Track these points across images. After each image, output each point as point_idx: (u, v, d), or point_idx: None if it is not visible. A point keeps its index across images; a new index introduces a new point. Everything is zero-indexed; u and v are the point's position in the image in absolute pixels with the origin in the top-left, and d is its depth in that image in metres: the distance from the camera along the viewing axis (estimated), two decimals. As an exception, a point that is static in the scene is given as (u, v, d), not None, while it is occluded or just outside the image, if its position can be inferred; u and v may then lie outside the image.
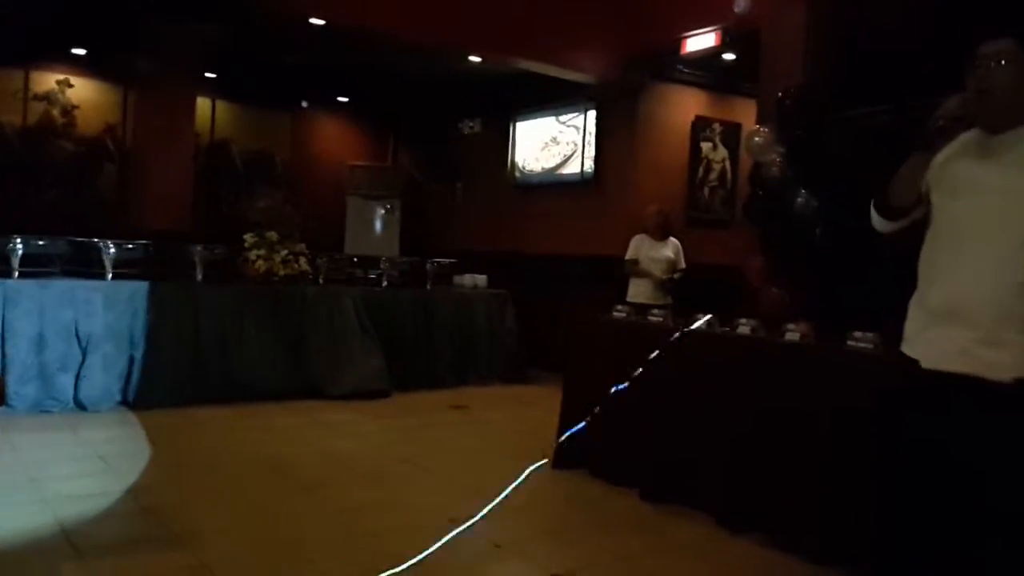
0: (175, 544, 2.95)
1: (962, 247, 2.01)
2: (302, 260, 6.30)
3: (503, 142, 9.38)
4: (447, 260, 7.27)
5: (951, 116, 1.98)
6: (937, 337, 2.02)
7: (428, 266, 6.99)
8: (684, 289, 6.03)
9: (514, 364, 7.07)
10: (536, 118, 9.07)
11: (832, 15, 5.72)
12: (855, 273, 4.65)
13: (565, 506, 3.81)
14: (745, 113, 7.73)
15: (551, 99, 8.55)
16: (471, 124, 9.90)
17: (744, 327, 3.58)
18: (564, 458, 4.18)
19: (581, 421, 4.15)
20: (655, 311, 4.24)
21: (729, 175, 8.32)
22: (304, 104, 10.21)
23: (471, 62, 7.79)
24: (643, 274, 6.04)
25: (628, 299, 5.85)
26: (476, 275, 7.26)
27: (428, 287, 6.91)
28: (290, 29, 7.40)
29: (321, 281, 6.35)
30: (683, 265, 6.11)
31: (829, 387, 3.07)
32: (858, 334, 3.11)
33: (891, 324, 3.20)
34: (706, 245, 7.22)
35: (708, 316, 3.78)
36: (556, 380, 4.46)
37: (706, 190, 8.23)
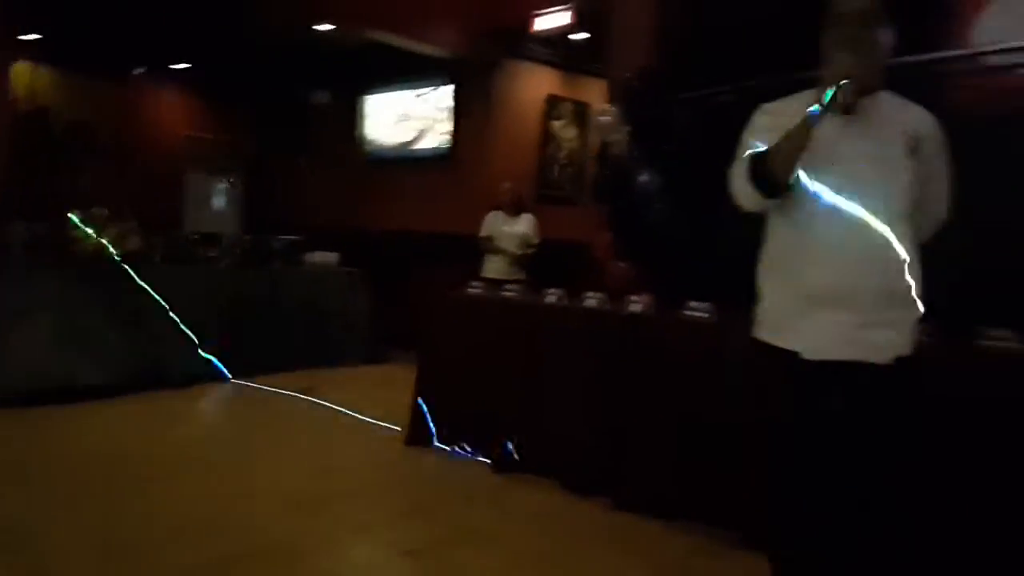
0: (11, 550, 2.68)
1: (839, 223, 1.88)
2: (135, 238, 5.85)
3: (354, 115, 9.12)
4: (295, 237, 6.98)
5: (846, 76, 1.82)
6: (819, 324, 1.90)
7: (274, 244, 6.69)
8: (537, 264, 6.10)
9: (368, 344, 6.92)
10: (390, 91, 8.86)
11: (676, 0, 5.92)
12: (694, 247, 4.86)
13: (418, 483, 3.76)
14: (595, 93, 7.90)
15: (406, 73, 8.37)
16: (321, 96, 9.53)
17: (591, 300, 3.65)
18: (418, 435, 4.13)
19: (436, 399, 4.13)
20: (509, 286, 4.25)
21: (579, 153, 8.50)
22: (137, 71, 9.46)
23: (321, 31, 7.48)
24: (498, 250, 6.05)
25: (483, 275, 5.86)
26: (326, 253, 7.02)
27: (274, 266, 6.61)
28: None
29: (157, 260, 5.93)
30: (537, 240, 6.17)
31: (668, 352, 3.19)
32: (694, 304, 3.24)
33: (728, 294, 3.39)
34: (557, 221, 7.33)
35: (560, 291, 3.83)
36: (411, 359, 4.39)
37: (556, 168, 8.37)
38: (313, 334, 6.58)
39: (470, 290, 4.27)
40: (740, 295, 3.25)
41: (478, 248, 6.15)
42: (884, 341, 1.89)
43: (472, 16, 7.38)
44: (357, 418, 4.81)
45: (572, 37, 7.25)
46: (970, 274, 2.93)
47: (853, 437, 1.89)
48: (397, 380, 5.84)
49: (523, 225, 6.13)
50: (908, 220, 1.91)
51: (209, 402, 5.17)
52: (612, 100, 5.81)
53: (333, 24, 7.20)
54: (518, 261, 6.06)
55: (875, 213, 1.87)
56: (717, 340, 3.07)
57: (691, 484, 3.10)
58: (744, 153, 2.00)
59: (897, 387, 1.90)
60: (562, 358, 3.57)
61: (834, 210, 1.88)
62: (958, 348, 2.59)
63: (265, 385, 5.68)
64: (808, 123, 1.84)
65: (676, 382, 3.15)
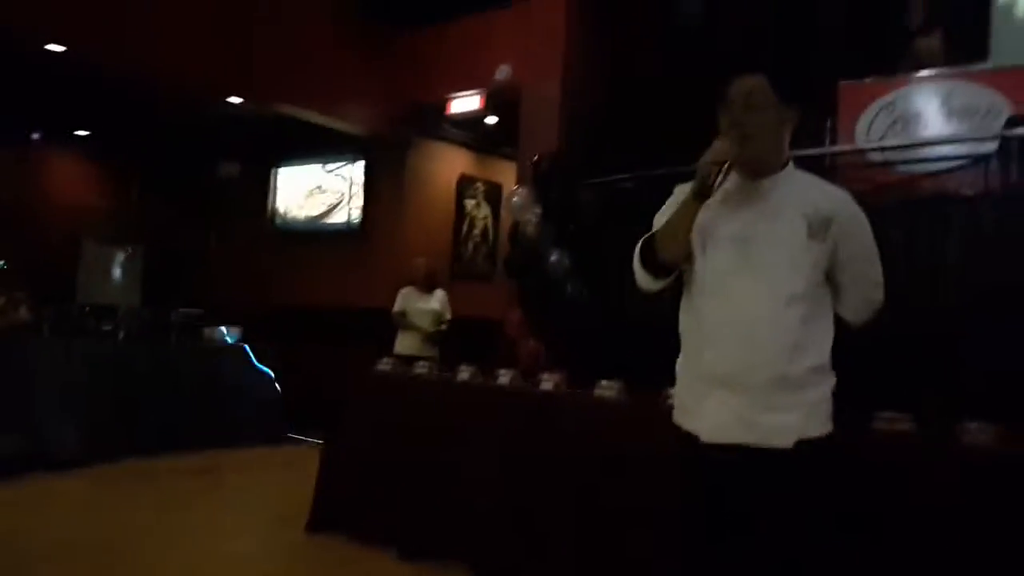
0: None
1: (730, 305, 1.89)
2: (23, 309, 5.55)
3: (263, 188, 9.02)
4: (195, 311, 6.75)
5: (719, 161, 1.85)
6: (715, 407, 1.89)
7: (173, 317, 6.45)
8: (449, 341, 6.10)
9: (271, 424, 6.67)
10: (301, 165, 8.84)
11: (583, 90, 6.22)
12: (602, 326, 4.97)
13: (320, 572, 3.60)
14: (506, 174, 8.10)
15: (317, 147, 8.39)
16: (230, 167, 9.40)
17: (503, 377, 3.66)
18: (321, 521, 3.98)
19: (341, 481, 4.00)
20: (421, 363, 4.22)
21: (491, 232, 8.65)
22: (35, 136, 9.12)
23: (230, 103, 7.44)
24: (410, 326, 6.03)
25: (396, 351, 5.80)
26: (229, 327, 6.80)
27: (173, 340, 6.36)
28: (23, 55, 6.59)
29: (46, 333, 5.61)
30: (449, 316, 6.18)
31: (575, 431, 3.22)
32: (604, 382, 3.30)
33: (639, 372, 3.46)
34: (470, 298, 7.38)
35: (471, 367, 3.82)
36: (317, 440, 4.26)
37: (470, 245, 8.48)
38: (213, 412, 6.31)
39: (380, 367, 4.21)
40: (650, 374, 3.36)
41: (390, 324, 6.10)
42: (780, 425, 1.84)
43: (385, 96, 7.51)
44: (257, 501, 4.60)
45: (485, 119, 7.47)
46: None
47: (757, 523, 1.85)
48: (301, 461, 5.65)
49: (436, 301, 6.14)
50: (809, 302, 1.86)
51: (97, 483, 4.84)
52: (523, 182, 5.99)
53: (243, 98, 7.18)
54: (430, 338, 6.04)
55: (764, 298, 1.86)
56: (624, 420, 3.12)
57: (592, 570, 3.08)
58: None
59: (801, 471, 1.84)
60: (473, 437, 3.54)
61: (725, 291, 1.90)
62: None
63: (161, 465, 5.38)
64: (687, 205, 1.89)
65: (581, 462, 3.16)
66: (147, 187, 9.92)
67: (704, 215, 1.92)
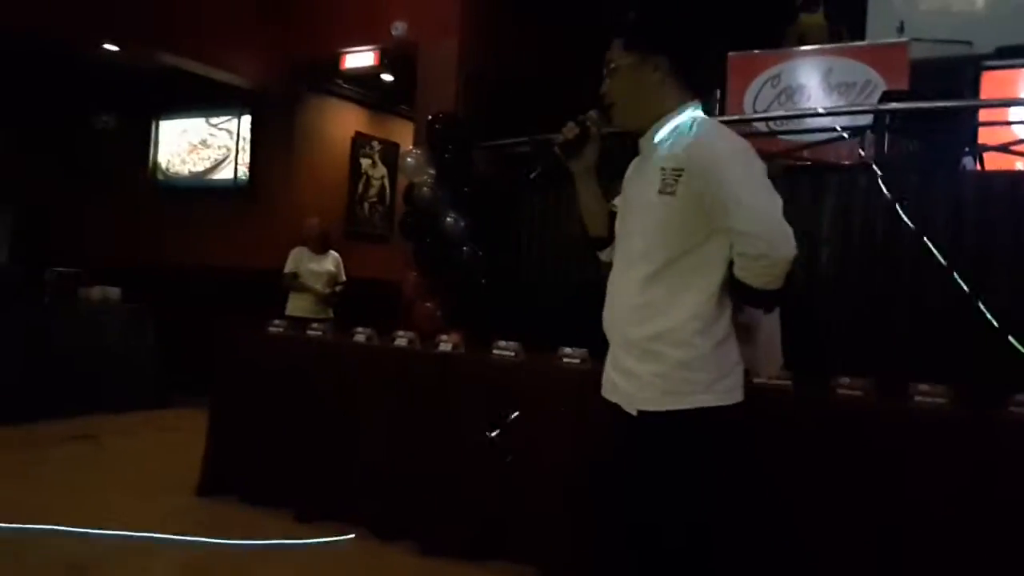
0: None
1: (612, 270, 1.93)
2: None
3: (144, 141, 8.52)
4: (70, 270, 6.35)
5: (567, 137, 1.93)
6: (607, 365, 1.91)
7: (46, 276, 6.05)
8: (345, 303, 6.00)
9: (154, 387, 6.40)
10: (183, 118, 8.39)
11: (479, 51, 6.17)
12: (501, 288, 5.02)
13: (211, 537, 3.51)
14: (404, 133, 7.97)
15: (201, 99, 7.97)
16: (105, 119, 8.80)
17: (401, 339, 3.65)
18: (212, 485, 3.88)
19: (232, 444, 3.90)
20: (315, 325, 4.14)
21: (388, 192, 8.51)
22: None
23: (107, 51, 6.95)
24: (303, 288, 5.89)
25: (287, 313, 5.67)
26: (107, 287, 6.44)
27: (46, 301, 5.98)
28: None
29: None
30: (344, 278, 6.08)
31: (474, 391, 3.26)
32: (502, 343, 3.35)
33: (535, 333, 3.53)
34: (366, 259, 7.27)
35: (370, 330, 3.79)
36: (203, 403, 4.12)
37: (366, 205, 8.33)
38: (91, 376, 6.00)
39: (272, 329, 4.11)
40: (543, 334, 3.42)
41: (281, 285, 5.94)
42: (625, 390, 1.81)
43: (274, 47, 7.20)
44: (142, 467, 4.43)
45: (382, 77, 7.29)
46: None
47: (631, 478, 1.83)
48: (187, 426, 5.46)
49: (330, 263, 6.03)
50: (656, 264, 1.75)
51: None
52: (418, 142, 5.91)
53: (119, 46, 6.73)
54: (325, 300, 5.93)
55: (621, 257, 1.88)
56: (523, 379, 3.18)
57: (494, 524, 3.15)
58: None
59: (648, 439, 1.76)
60: (370, 400, 3.52)
61: (616, 255, 1.92)
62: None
63: (35, 432, 5.08)
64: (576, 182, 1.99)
65: (480, 422, 3.20)
66: (16, 139, 9.16)
67: (625, 183, 1.96)
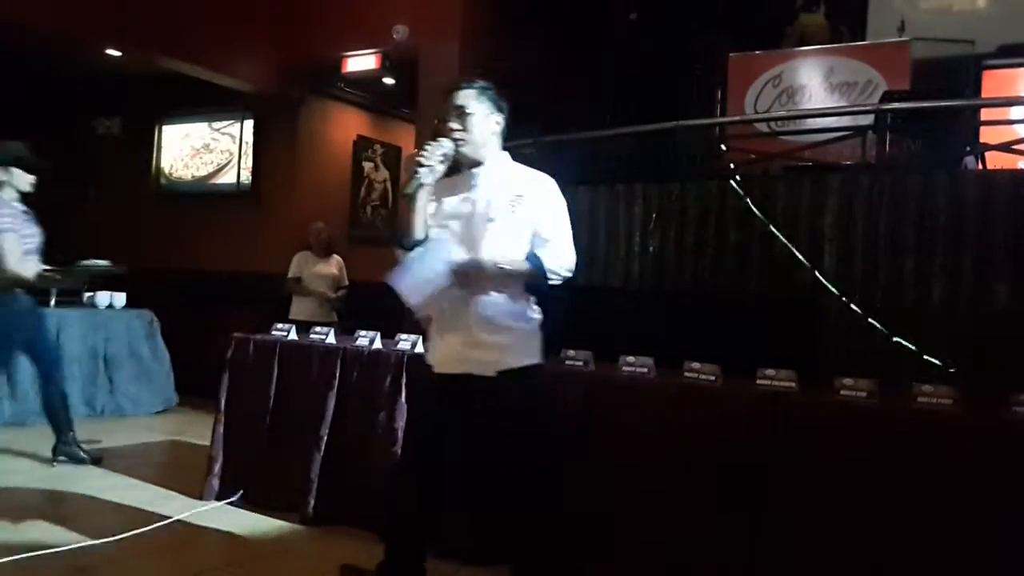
0: None
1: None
2: None
3: (147, 145, 8.55)
4: (75, 274, 6.35)
5: (428, 163, 2.39)
6: (443, 344, 2.52)
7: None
8: (347, 306, 6.01)
9: (159, 392, 6.43)
10: (186, 122, 8.42)
11: (481, 54, 6.18)
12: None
13: (217, 541, 3.53)
14: (405, 136, 7.99)
15: (204, 103, 8.00)
16: (108, 124, 8.83)
17: (404, 342, 3.66)
18: (217, 488, 3.89)
19: (238, 449, 3.91)
20: (319, 329, 4.15)
21: (390, 195, 8.53)
22: None
23: (110, 56, 6.98)
24: (307, 292, 5.90)
25: (291, 317, 5.68)
26: (113, 292, 6.46)
27: (52, 305, 6.00)
28: None
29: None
30: (346, 282, 6.10)
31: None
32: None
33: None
34: (369, 263, 7.26)
35: (373, 333, 3.80)
36: (208, 408, 4.13)
37: (368, 209, 8.34)
38: (96, 381, 6.03)
39: (275, 333, 4.12)
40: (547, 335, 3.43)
41: (284, 289, 5.96)
42: (485, 359, 2.42)
43: (276, 51, 7.23)
44: (145, 471, 4.45)
45: (383, 80, 7.31)
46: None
47: (481, 432, 2.48)
48: (193, 430, 5.50)
49: (333, 266, 6.05)
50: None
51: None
52: (421, 144, 5.92)
53: (122, 51, 6.75)
54: (330, 303, 5.95)
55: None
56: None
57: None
58: None
59: (504, 392, 2.41)
60: (374, 404, 3.53)
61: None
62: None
63: (41, 436, 5.09)
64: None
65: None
66: (20, 144, 9.19)
67: (441, 200, 2.56)
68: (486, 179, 2.49)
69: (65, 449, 4.47)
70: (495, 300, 2.43)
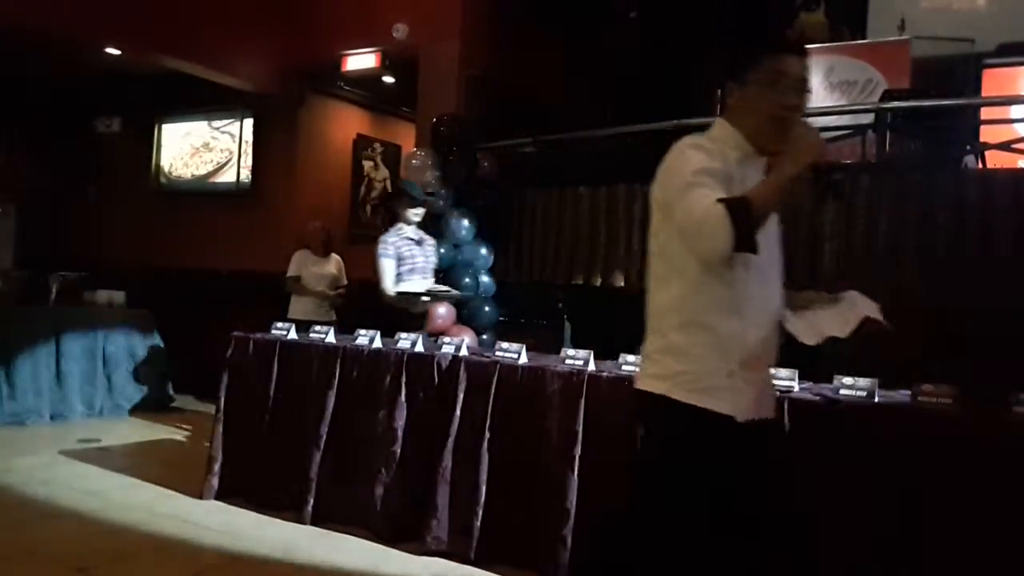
0: None
1: (765, 280, 1.90)
2: None
3: (147, 144, 8.54)
4: (76, 274, 6.37)
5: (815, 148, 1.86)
6: (746, 385, 1.86)
7: (51, 280, 6.07)
8: (347, 305, 6.01)
9: (158, 391, 6.43)
10: (186, 121, 8.41)
11: (481, 52, 6.18)
12: (502, 288, 5.03)
13: (218, 541, 3.53)
14: (405, 135, 7.98)
15: (203, 102, 7.98)
16: (108, 122, 8.83)
17: (404, 341, 3.66)
18: (217, 488, 3.89)
19: (237, 448, 3.91)
20: (318, 328, 4.14)
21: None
22: None
23: (110, 55, 6.97)
24: (306, 291, 5.90)
25: (289, 316, 5.67)
26: (112, 291, 6.46)
27: (51, 304, 6.00)
28: None
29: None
30: (345, 281, 6.09)
31: (482, 394, 3.26)
32: (504, 344, 3.36)
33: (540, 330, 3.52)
34: (368, 261, 7.26)
35: (373, 332, 3.79)
36: (207, 407, 4.13)
37: (368, 208, 8.33)
38: (95, 379, 6.02)
39: (275, 332, 4.12)
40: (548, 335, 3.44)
41: (282, 288, 5.96)
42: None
43: (276, 50, 7.22)
44: (145, 471, 4.45)
45: (382, 78, 7.31)
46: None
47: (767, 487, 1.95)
48: (192, 428, 5.50)
49: (332, 266, 6.04)
50: (665, 281, 1.90)
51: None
52: (421, 143, 5.92)
53: (121, 49, 6.73)
54: (330, 302, 5.94)
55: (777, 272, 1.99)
56: (531, 381, 3.19)
57: (495, 528, 3.16)
58: (698, 190, 1.78)
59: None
60: (374, 403, 3.53)
61: (761, 268, 1.89)
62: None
63: (41, 435, 5.10)
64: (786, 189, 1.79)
65: (494, 426, 3.22)
66: (20, 142, 9.19)
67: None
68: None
69: None
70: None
